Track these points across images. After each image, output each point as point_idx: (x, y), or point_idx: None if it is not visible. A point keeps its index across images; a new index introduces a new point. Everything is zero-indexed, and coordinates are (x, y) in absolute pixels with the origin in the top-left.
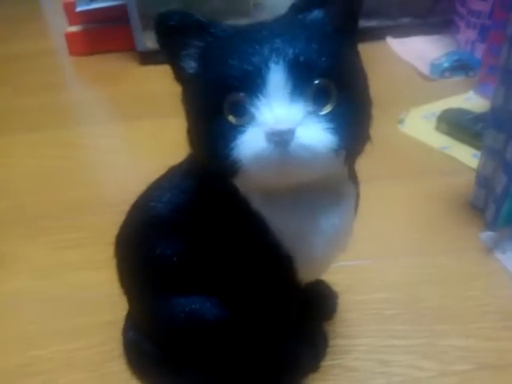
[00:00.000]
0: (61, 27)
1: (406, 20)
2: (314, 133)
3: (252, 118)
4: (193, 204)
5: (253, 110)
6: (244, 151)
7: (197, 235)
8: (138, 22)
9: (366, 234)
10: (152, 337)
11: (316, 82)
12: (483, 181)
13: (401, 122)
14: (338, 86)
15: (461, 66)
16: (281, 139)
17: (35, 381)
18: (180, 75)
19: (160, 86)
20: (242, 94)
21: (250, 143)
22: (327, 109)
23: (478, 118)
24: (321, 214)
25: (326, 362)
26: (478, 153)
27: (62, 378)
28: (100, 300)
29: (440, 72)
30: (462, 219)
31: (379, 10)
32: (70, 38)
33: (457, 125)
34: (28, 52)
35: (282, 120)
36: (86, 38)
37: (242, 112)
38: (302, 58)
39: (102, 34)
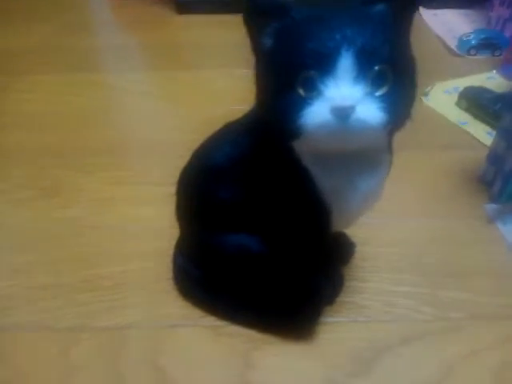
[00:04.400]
0: None
1: None
2: (369, 110)
3: (320, 93)
4: (250, 157)
5: (322, 86)
6: (310, 120)
7: (251, 183)
8: None
9: (383, 196)
10: (199, 264)
11: (376, 68)
12: (494, 158)
13: (426, 94)
14: (394, 72)
15: (487, 45)
16: (343, 113)
17: (93, 295)
18: (258, 49)
19: (195, 36)
20: (313, 72)
21: (316, 114)
22: (382, 91)
23: (498, 98)
24: (360, 176)
25: (341, 299)
26: (493, 131)
27: (117, 294)
28: (149, 231)
29: (467, 49)
30: (469, 190)
31: None
32: None
33: (476, 103)
34: None
35: (346, 98)
36: None
37: (311, 87)
38: (367, 47)
39: None
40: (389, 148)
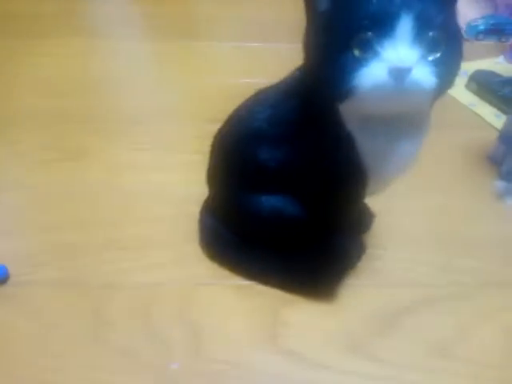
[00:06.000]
0: None
1: None
2: (423, 73)
3: (376, 55)
4: (293, 120)
5: (379, 48)
6: (365, 80)
7: (292, 146)
8: None
9: None
10: (230, 225)
11: (431, 33)
12: (505, 138)
13: None
14: (446, 39)
15: (495, 31)
16: (399, 75)
17: (122, 254)
18: (312, 10)
19: (209, 8)
20: (371, 34)
21: (372, 75)
22: (434, 56)
23: (506, 82)
24: (402, 141)
25: (362, 264)
26: (501, 114)
27: (145, 254)
28: (173, 196)
29: (475, 34)
30: (479, 169)
31: None
32: None
33: (485, 86)
34: None
35: (403, 59)
36: None
37: (367, 48)
38: (424, 13)
39: None
40: (428, 116)
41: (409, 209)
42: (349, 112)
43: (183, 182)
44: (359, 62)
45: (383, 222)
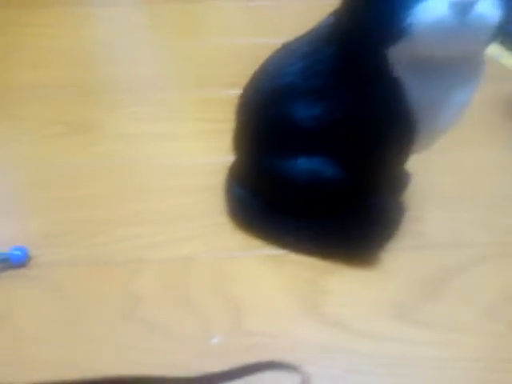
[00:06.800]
0: None
1: None
2: (488, 6)
3: None
4: (331, 71)
5: None
6: (422, 17)
7: (332, 100)
8: None
9: None
10: (260, 192)
11: None
12: None
13: None
14: None
15: None
16: (463, 8)
17: (147, 228)
18: None
19: None
20: None
21: (430, 10)
22: None
23: None
24: (455, 91)
25: (402, 226)
26: None
27: (171, 227)
28: (191, 166)
29: None
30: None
31: None
32: None
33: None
34: None
35: None
36: None
37: None
38: None
39: None
40: (483, 59)
41: (444, 166)
42: (399, 56)
43: (197, 151)
44: None
45: (419, 181)
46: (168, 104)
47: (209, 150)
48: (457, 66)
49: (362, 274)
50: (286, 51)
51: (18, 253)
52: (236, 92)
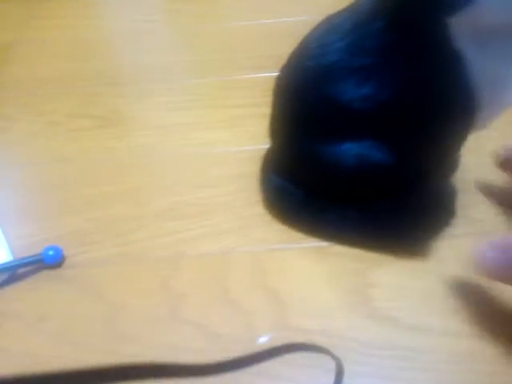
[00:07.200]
0: None
1: None
2: None
3: None
4: (383, 45)
5: None
6: None
7: (386, 78)
8: None
9: None
10: (302, 180)
11: None
12: None
13: None
14: None
15: None
16: None
17: (182, 223)
18: None
19: None
20: None
21: None
22: None
23: None
24: None
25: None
26: None
27: (207, 221)
28: (224, 155)
29: None
30: None
31: None
32: None
33: None
34: None
35: None
36: None
37: None
38: None
39: None
40: None
41: (495, 145)
42: (463, 26)
43: (232, 139)
44: None
45: (467, 163)
46: (195, 91)
47: (242, 137)
48: None
49: (414, 265)
50: (328, 27)
51: (52, 252)
52: (266, 75)
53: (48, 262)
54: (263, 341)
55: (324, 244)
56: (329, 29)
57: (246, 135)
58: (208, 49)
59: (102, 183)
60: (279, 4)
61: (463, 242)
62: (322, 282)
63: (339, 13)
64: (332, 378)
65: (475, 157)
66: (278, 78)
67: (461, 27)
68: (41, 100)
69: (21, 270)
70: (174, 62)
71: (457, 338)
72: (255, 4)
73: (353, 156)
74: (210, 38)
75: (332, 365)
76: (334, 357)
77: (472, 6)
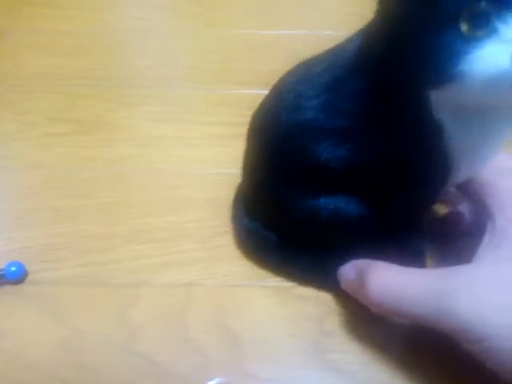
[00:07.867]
0: None
1: None
2: None
3: (492, 32)
4: (361, 108)
5: (498, 23)
6: (477, 67)
7: (363, 140)
8: None
9: None
10: (272, 225)
11: None
12: None
13: None
14: None
15: None
16: None
17: (149, 247)
18: None
19: None
20: (486, 4)
21: (488, 60)
22: None
23: None
24: (499, 133)
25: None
26: None
27: (173, 247)
28: (201, 176)
29: None
30: None
31: None
32: None
33: None
34: None
35: None
36: None
37: (481, 23)
38: None
39: None
40: None
41: None
42: (443, 99)
43: (211, 160)
44: (467, 42)
45: None
46: (183, 102)
47: (222, 158)
48: (504, 110)
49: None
50: (307, 77)
51: (14, 269)
52: (255, 91)
53: (10, 278)
54: None
55: (287, 285)
56: (306, 77)
57: (227, 157)
58: (202, 55)
59: (73, 195)
60: (281, 14)
61: None
62: (282, 325)
63: (315, 58)
64: None
65: None
66: (255, 118)
67: (441, 100)
68: (23, 97)
69: None
70: (166, 67)
71: None
72: (256, 12)
73: (328, 210)
74: (205, 44)
75: None
76: None
77: (455, 86)
